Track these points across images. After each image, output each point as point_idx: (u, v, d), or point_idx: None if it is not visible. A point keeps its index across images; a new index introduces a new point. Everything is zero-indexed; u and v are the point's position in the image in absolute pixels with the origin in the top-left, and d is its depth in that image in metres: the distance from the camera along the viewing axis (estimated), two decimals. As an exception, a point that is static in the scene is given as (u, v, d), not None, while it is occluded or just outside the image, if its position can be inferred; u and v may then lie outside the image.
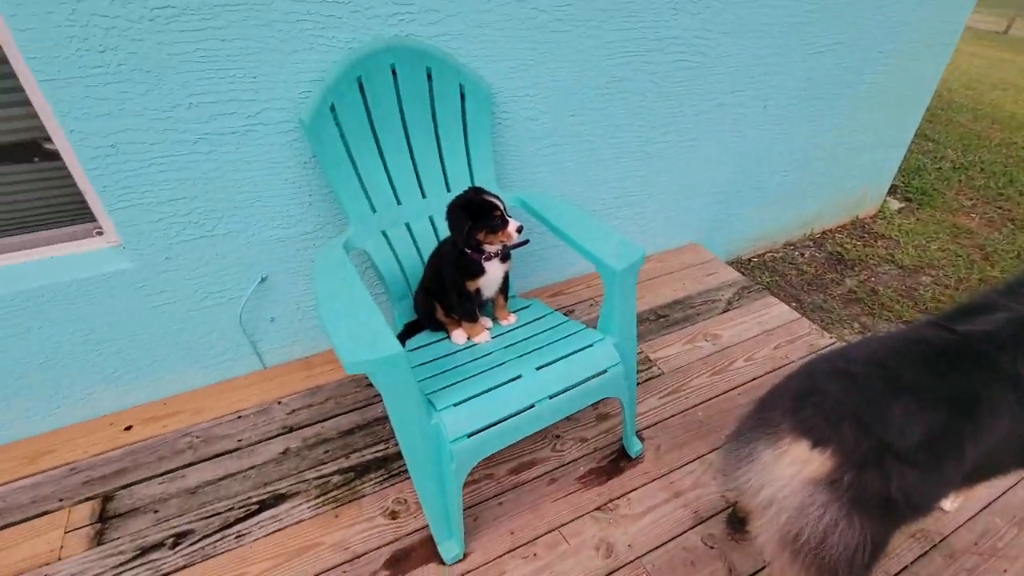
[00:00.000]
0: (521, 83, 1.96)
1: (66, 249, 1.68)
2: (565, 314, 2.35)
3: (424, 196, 1.83)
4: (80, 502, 1.64)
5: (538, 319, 1.80)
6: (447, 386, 1.46)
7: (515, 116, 2.01)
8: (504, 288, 1.75)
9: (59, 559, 1.49)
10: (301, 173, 1.77)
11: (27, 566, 1.47)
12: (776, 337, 2.27)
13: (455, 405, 1.36)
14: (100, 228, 1.69)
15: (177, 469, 1.73)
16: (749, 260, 3.22)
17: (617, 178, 2.42)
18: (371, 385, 2.01)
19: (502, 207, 1.52)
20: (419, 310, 1.75)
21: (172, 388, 1.97)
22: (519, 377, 1.45)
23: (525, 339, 1.69)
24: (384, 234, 1.77)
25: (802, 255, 3.27)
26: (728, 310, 2.43)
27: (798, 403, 1.13)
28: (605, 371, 1.54)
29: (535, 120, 2.06)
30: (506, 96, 1.95)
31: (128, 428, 1.87)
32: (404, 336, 1.75)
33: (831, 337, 2.27)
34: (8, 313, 1.62)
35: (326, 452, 1.78)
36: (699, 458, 1.76)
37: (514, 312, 1.84)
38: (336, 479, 1.70)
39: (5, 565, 1.47)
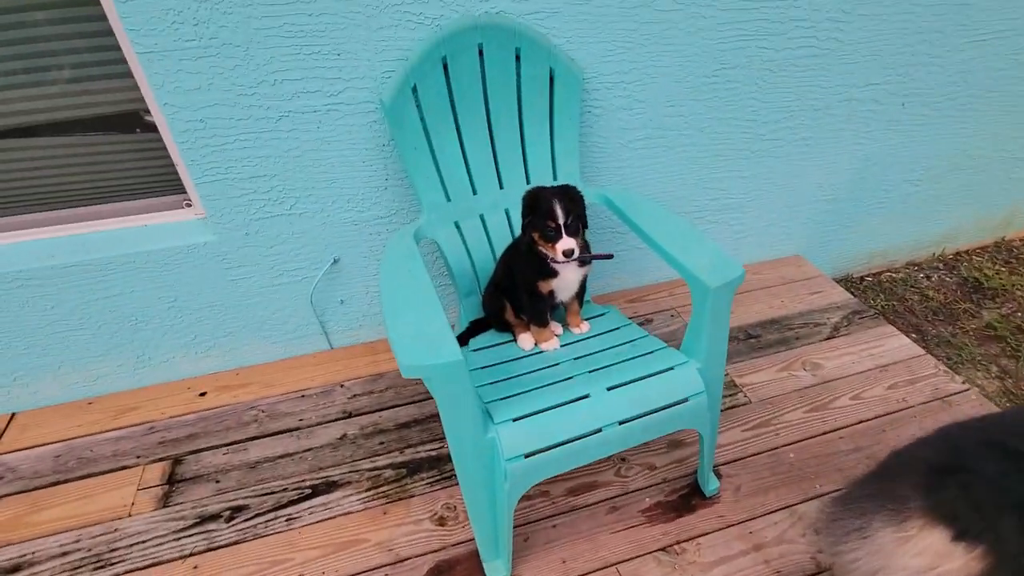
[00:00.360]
0: (617, 67, 1.78)
1: (158, 219, 1.75)
2: (642, 324, 2.17)
3: (502, 187, 1.72)
4: (154, 461, 1.71)
5: (614, 330, 1.64)
6: (508, 397, 1.35)
7: (606, 104, 1.84)
8: (580, 293, 1.61)
9: (130, 515, 1.56)
10: (378, 156, 1.71)
11: (103, 517, 1.55)
12: (892, 375, 1.95)
13: (514, 420, 1.25)
14: (189, 200, 1.73)
15: (241, 441, 1.77)
16: (861, 279, 2.83)
17: (716, 178, 2.17)
18: (432, 378, 1.95)
19: (560, 219, 1.36)
20: (487, 308, 1.65)
21: (244, 360, 2.02)
22: (587, 396, 1.31)
23: (598, 352, 1.54)
24: (456, 225, 1.68)
25: (928, 278, 2.83)
26: (834, 336, 2.13)
27: (936, 479, 0.91)
28: (686, 400, 1.36)
29: (629, 110, 1.87)
30: (598, 82, 1.78)
31: (203, 394, 1.94)
32: (469, 334, 1.66)
33: (962, 381, 1.92)
34: (108, 276, 1.70)
35: (381, 443, 1.75)
36: (787, 507, 1.54)
37: (588, 320, 1.69)
38: (388, 473, 1.65)
39: (84, 513, 1.57)
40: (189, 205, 1.74)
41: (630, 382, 1.34)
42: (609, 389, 1.32)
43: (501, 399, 1.34)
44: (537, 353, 1.58)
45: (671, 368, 1.38)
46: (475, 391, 1.21)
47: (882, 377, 1.94)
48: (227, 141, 1.56)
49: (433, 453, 1.71)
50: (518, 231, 1.57)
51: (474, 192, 1.70)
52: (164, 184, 1.71)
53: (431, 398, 1.86)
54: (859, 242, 2.67)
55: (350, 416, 1.85)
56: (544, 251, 1.43)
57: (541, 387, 1.38)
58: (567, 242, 1.36)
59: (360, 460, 1.70)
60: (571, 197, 1.39)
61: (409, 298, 1.26)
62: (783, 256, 2.57)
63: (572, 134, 1.74)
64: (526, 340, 1.59)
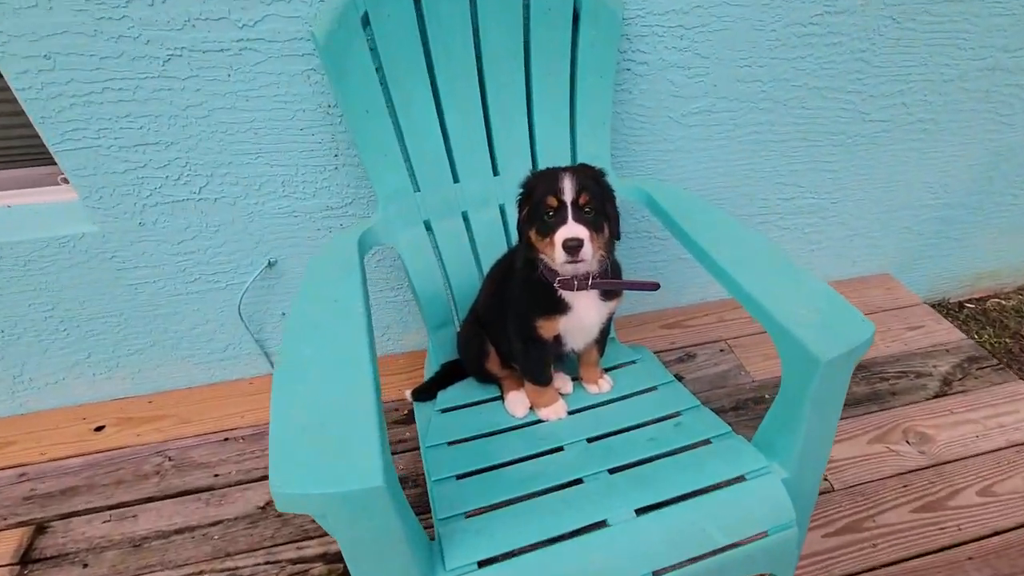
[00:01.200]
0: (672, 5, 1.22)
1: (22, 198, 1.27)
2: (682, 361, 1.64)
3: (496, 173, 1.20)
4: (12, 527, 1.27)
5: (648, 392, 1.12)
6: (478, 512, 0.85)
7: (654, 59, 1.28)
8: (602, 338, 1.09)
9: (-45, 612, 1.12)
10: (324, 121, 1.20)
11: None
12: (1035, 458, 1.39)
13: (480, 567, 0.75)
14: (64, 175, 1.25)
15: (131, 504, 1.31)
16: (960, 306, 2.24)
17: (795, 170, 1.60)
18: (401, 422, 1.47)
19: (567, 194, 0.85)
20: (463, 351, 1.14)
21: (160, 384, 1.56)
22: (605, 524, 0.80)
23: (624, 431, 1.02)
24: (427, 226, 1.16)
25: (1048, 308, 2.22)
26: (944, 394, 1.57)
27: None
28: (764, 534, 0.84)
29: (685, 68, 1.32)
30: (644, 24, 1.23)
31: (99, 428, 1.49)
32: (437, 384, 1.16)
33: None
34: (-47, 272, 1.24)
35: (314, 523, 1.27)
36: None
37: (611, 370, 1.17)
38: (318, 570, 1.18)
39: None
40: (66, 181, 1.26)
41: (675, 501, 0.83)
42: (639, 513, 0.81)
43: (464, 515, 0.84)
44: (533, 423, 1.07)
45: (742, 478, 0.86)
46: (411, 527, 0.71)
47: (1022, 462, 1.39)
48: (92, 90, 1.07)
49: (383, 543, 1.23)
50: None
51: (455, 178, 1.18)
52: (26, 150, 1.23)
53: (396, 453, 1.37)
54: (966, 260, 2.07)
55: (283, 473, 1.37)
56: (543, 256, 0.91)
57: (532, 496, 0.87)
58: (571, 229, 0.84)
59: (282, 546, 1.23)
60: (589, 174, 0.90)
61: (322, 354, 0.77)
62: (868, 274, 1.99)
63: (602, 99, 1.20)
64: (517, 403, 1.08)
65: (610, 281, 0.94)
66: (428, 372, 1.23)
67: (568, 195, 0.85)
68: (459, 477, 0.94)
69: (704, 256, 0.99)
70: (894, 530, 1.25)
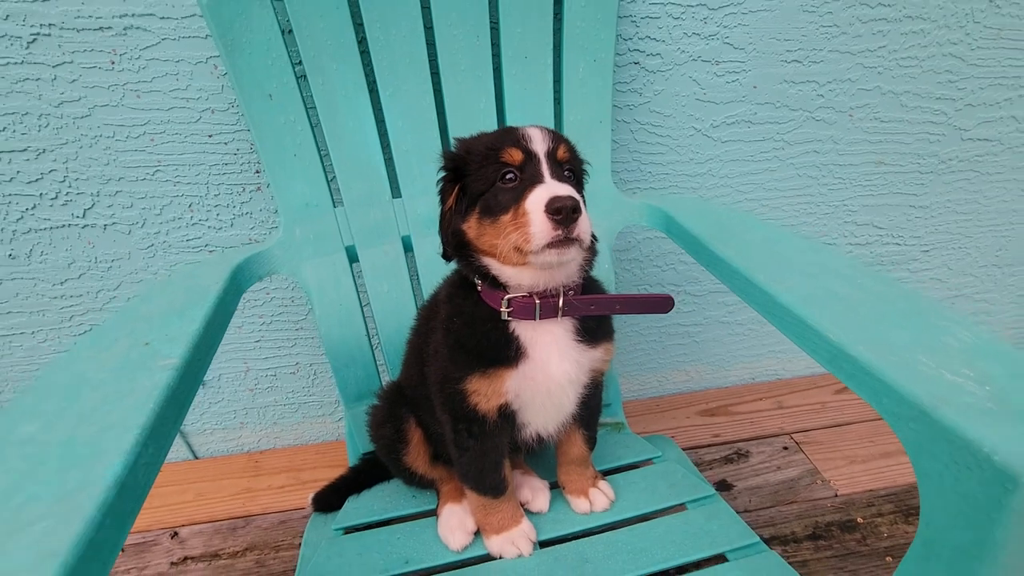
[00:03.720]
0: (693, -23, 0.94)
1: None
2: (730, 462, 1.18)
3: (452, 186, 0.87)
4: None
5: (671, 515, 0.69)
6: None
7: (669, 50, 0.98)
8: (590, 410, 0.68)
9: None
10: (238, 125, 0.94)
11: None
12: None
13: None
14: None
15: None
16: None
17: (870, 206, 1.22)
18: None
19: (539, 142, 0.55)
20: (372, 433, 0.75)
21: (45, 467, 1.23)
22: None
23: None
24: (350, 255, 0.84)
25: None
26: None
27: None
28: None
29: (714, 63, 1.01)
30: (651, 3, 0.94)
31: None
32: (342, 488, 0.77)
33: None
34: None
35: None
36: None
37: (610, 475, 0.75)
38: None
39: None
40: (-59, 205, 1.03)
41: None
42: None
43: None
44: (477, 561, 0.65)
45: None
46: None
47: None
48: (-62, 78, 0.84)
49: None
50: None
51: (395, 192, 0.86)
52: None
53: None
54: (1115, 334, 1.55)
55: (156, 606, 0.98)
56: (486, 260, 0.58)
57: None
58: (554, 186, 0.52)
59: None
60: (555, 133, 0.57)
61: (47, 436, 0.42)
62: (979, 350, 1.50)
63: (598, 91, 0.89)
64: (453, 525, 0.67)
65: (595, 298, 0.57)
66: (352, 458, 0.84)
67: (539, 144, 0.54)
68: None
69: (755, 292, 0.61)
70: None
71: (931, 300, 0.56)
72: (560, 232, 0.50)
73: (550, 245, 0.51)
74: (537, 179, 0.53)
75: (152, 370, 0.51)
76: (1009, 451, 0.38)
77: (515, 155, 0.53)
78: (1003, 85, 1.12)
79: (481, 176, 0.55)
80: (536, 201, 0.51)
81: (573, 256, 0.54)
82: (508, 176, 0.54)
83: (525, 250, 0.52)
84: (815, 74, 1.05)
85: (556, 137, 0.56)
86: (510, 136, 0.55)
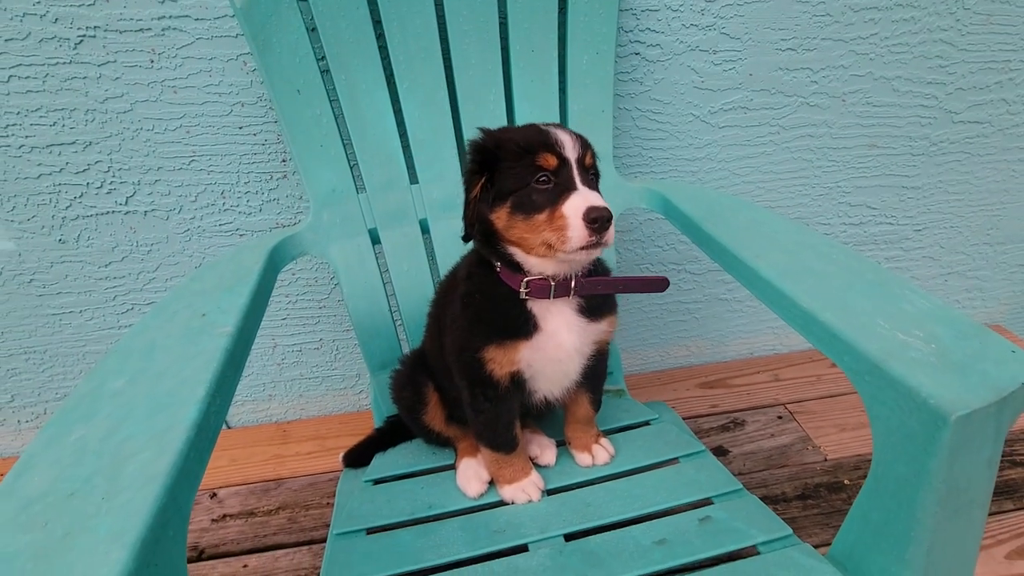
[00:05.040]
0: (690, -29, 0.99)
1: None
2: (726, 430, 1.26)
3: (465, 172, 0.95)
4: None
5: (665, 467, 0.77)
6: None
7: (668, 41, 1.04)
8: (594, 378, 0.77)
9: None
10: (266, 118, 1.02)
11: None
12: None
13: None
14: (-9, 185, 1.11)
15: None
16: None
17: (863, 187, 1.28)
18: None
19: (570, 149, 0.62)
20: (395, 396, 0.84)
21: (92, 436, 1.33)
22: None
23: (621, 527, 0.67)
24: (374, 236, 0.91)
25: None
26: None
27: None
28: None
29: (711, 52, 1.06)
30: (656, -4, 1.00)
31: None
32: (374, 446, 0.86)
33: None
34: None
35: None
36: None
37: (611, 434, 0.83)
38: None
39: None
40: (-6, 193, 1.12)
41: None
42: None
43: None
44: (490, 506, 0.74)
45: (815, 626, 0.49)
46: None
47: None
48: (-5, 78, 0.93)
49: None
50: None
51: (413, 179, 0.94)
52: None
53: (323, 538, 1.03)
54: (1106, 309, 1.60)
55: (200, 556, 1.08)
56: (515, 248, 0.65)
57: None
58: (591, 196, 0.60)
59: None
60: (582, 139, 0.65)
61: (135, 389, 0.51)
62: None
63: (600, 82, 0.95)
64: (470, 476, 0.76)
65: (601, 280, 0.65)
66: (379, 419, 0.93)
67: (571, 151, 0.61)
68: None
69: (741, 267, 0.68)
70: None
71: (895, 274, 0.63)
72: (594, 239, 0.58)
73: (583, 247, 0.58)
74: (571, 186, 0.60)
75: (212, 336, 0.59)
76: (942, 396, 0.45)
77: (551, 160, 0.60)
78: (993, 69, 1.17)
79: (514, 175, 0.61)
80: (574, 208, 0.58)
81: (598, 255, 0.63)
82: (543, 179, 0.61)
83: (557, 248, 0.60)
84: (809, 61, 1.10)
85: (584, 144, 0.63)
86: (544, 140, 0.61)
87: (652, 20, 1.01)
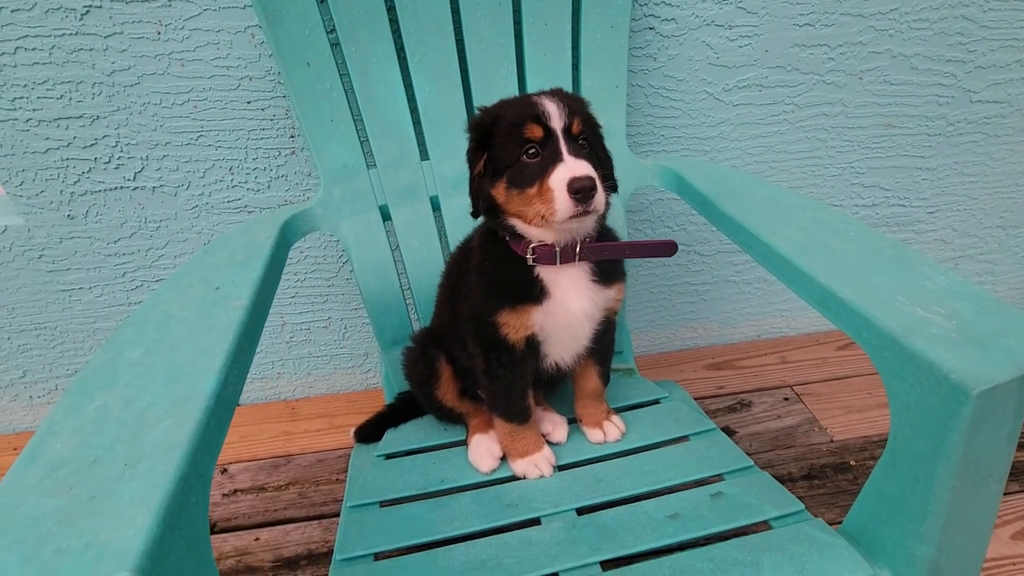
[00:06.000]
0: (708, -58, 0.96)
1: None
2: (733, 411, 1.26)
3: (476, 149, 0.94)
4: None
5: (675, 445, 0.78)
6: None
7: (684, 15, 1.02)
8: (603, 350, 0.77)
9: None
10: (274, 92, 1.00)
11: None
12: None
13: None
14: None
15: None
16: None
17: (876, 168, 1.26)
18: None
19: (555, 120, 0.62)
20: (408, 371, 0.84)
21: (103, 412, 1.35)
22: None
23: (633, 501, 0.68)
24: (383, 212, 0.91)
25: None
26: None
27: None
28: None
29: (727, 28, 1.04)
30: (672, -32, 0.97)
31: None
32: (385, 421, 0.87)
33: None
34: None
35: (232, 601, 0.97)
36: None
37: (622, 412, 0.84)
38: (218, 672, 0.86)
39: None
40: None
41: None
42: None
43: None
44: (502, 481, 0.74)
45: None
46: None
47: None
48: (3, 50, 0.91)
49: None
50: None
51: (423, 155, 0.93)
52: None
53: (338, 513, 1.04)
54: (1117, 295, 1.59)
55: (213, 529, 1.10)
56: (515, 220, 0.66)
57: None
58: (575, 165, 0.59)
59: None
60: (572, 97, 0.65)
61: (152, 359, 0.51)
62: (980, 310, 1.55)
63: (615, 56, 0.93)
64: (483, 451, 0.76)
65: (607, 245, 0.65)
66: (389, 396, 0.94)
67: (557, 121, 0.61)
68: (378, 557, 0.63)
69: (757, 245, 0.68)
70: None
71: (914, 251, 0.62)
72: (580, 208, 0.58)
73: (571, 216, 0.59)
74: (557, 157, 0.60)
75: (227, 309, 0.59)
76: (964, 371, 0.45)
77: (536, 131, 0.61)
78: (1014, 47, 1.14)
79: (506, 151, 0.62)
80: (559, 180, 0.59)
81: (590, 223, 0.65)
82: (531, 151, 0.61)
83: (549, 219, 0.60)
84: (826, 37, 1.08)
85: (571, 111, 0.62)
86: (530, 111, 0.61)
87: (668, -7, 0.99)
